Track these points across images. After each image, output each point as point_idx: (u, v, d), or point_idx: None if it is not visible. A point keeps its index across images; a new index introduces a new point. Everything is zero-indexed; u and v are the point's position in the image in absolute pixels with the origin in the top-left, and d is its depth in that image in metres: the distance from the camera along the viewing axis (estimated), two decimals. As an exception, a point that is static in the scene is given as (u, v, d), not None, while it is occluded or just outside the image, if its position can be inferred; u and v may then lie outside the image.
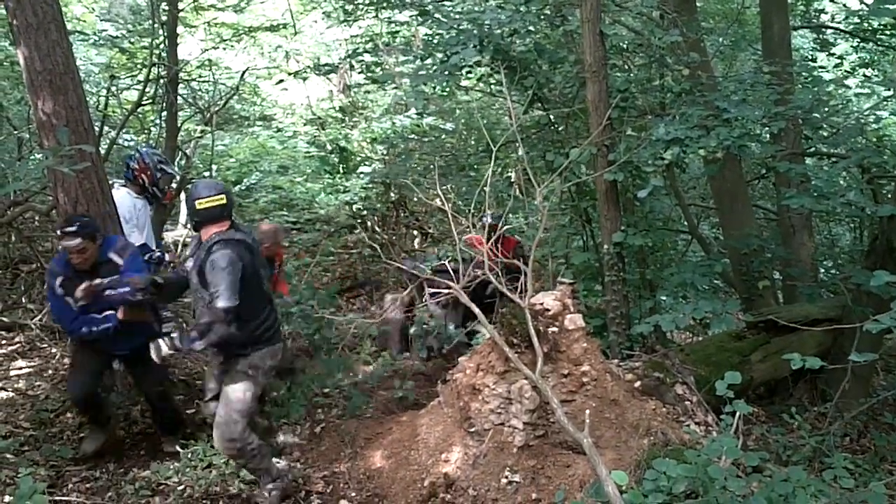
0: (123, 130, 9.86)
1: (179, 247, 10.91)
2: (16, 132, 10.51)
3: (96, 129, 7.20)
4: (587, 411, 4.29)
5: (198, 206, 4.70)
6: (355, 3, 9.56)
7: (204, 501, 4.69)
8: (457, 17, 7.47)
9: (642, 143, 5.92)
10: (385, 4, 8.71)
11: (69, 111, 5.73)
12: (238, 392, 4.64)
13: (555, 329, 4.84)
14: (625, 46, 7.07)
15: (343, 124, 12.88)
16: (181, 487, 4.82)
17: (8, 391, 6.37)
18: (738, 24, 10.40)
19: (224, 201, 4.75)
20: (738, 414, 4.09)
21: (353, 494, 5.11)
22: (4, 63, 10.44)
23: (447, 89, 8.61)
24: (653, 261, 7.20)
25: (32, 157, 9.41)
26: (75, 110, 5.78)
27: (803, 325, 6.05)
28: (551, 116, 7.30)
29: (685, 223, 9.28)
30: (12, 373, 6.53)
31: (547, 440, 4.77)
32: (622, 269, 6.32)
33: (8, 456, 5.18)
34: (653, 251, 7.14)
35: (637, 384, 5.49)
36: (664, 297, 7.02)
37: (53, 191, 5.83)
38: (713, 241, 9.70)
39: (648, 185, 5.98)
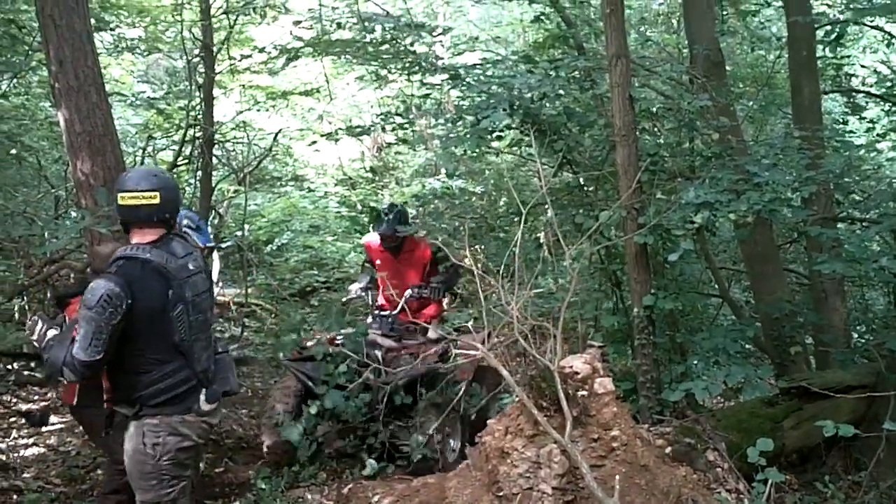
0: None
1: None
2: (53, 190, 10.74)
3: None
4: (617, 477, 4.23)
5: (119, 202, 3.64)
6: (387, 67, 9.75)
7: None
8: (487, 80, 7.58)
9: (672, 207, 5.92)
10: (416, 69, 8.85)
11: (106, 171, 5.88)
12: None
13: (584, 392, 4.79)
14: (654, 111, 7.12)
15: (373, 184, 13.03)
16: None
17: (40, 447, 6.43)
18: (767, 88, 10.44)
19: (157, 200, 3.63)
20: (769, 482, 4.03)
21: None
22: (43, 123, 10.73)
23: (476, 151, 8.70)
24: (684, 324, 7.14)
25: (68, 216, 9.60)
26: (113, 170, 5.93)
27: (836, 392, 5.96)
28: (581, 179, 7.34)
29: (716, 286, 9.22)
30: (44, 429, 6.57)
31: (576, 506, 4.70)
32: (652, 332, 6.27)
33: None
34: (683, 315, 7.09)
35: (668, 450, 5.40)
36: (695, 362, 6.95)
37: (89, 249, 5.95)
38: (744, 305, 9.61)
39: (679, 249, 5.96)
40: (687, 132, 6.96)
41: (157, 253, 3.56)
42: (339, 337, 6.25)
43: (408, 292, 6.71)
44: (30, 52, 9.15)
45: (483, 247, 9.70)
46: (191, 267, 3.67)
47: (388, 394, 5.83)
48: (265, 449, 6.13)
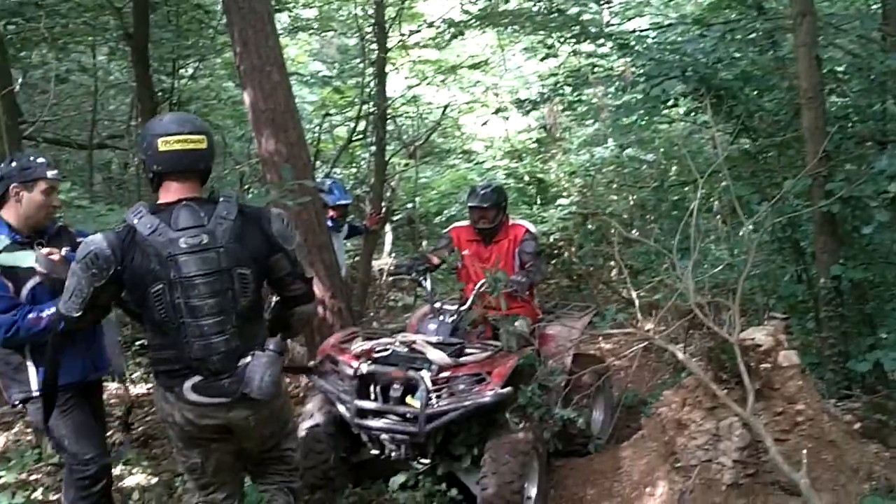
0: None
1: (384, 275, 11.36)
2: (238, 167, 11.31)
3: (310, 163, 7.63)
4: (803, 451, 4.10)
5: (162, 148, 3.06)
6: (553, 36, 9.67)
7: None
8: (658, 47, 7.41)
9: (862, 175, 5.63)
10: (584, 38, 8.73)
11: (289, 148, 6.12)
12: None
13: (767, 365, 4.66)
14: (842, 71, 6.76)
15: (540, 156, 13.01)
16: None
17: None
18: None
19: (205, 145, 3.15)
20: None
21: (556, 525, 5.11)
22: (227, 103, 11.26)
23: (645, 121, 8.51)
24: (873, 296, 6.78)
25: (252, 191, 10.08)
26: (295, 147, 6.17)
27: None
28: (761, 146, 7.08)
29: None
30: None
31: (757, 479, 4.59)
32: (840, 303, 6.02)
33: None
34: (873, 286, 6.73)
35: (856, 426, 5.20)
36: (884, 336, 6.61)
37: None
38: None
39: (873, 221, 5.64)
40: (878, 94, 6.58)
41: (148, 221, 3.04)
42: (379, 347, 5.09)
43: (481, 282, 5.41)
44: (215, 36, 9.62)
45: (654, 217, 9.55)
46: (184, 244, 3.03)
47: (426, 435, 4.66)
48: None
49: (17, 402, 3.89)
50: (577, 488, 5.33)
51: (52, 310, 3.52)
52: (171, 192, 3.13)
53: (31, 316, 3.62)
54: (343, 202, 7.01)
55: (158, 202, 3.15)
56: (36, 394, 3.75)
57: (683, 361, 4.88)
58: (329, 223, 6.73)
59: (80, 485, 3.87)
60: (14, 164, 3.78)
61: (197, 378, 3.18)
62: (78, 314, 3.13)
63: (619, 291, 10.24)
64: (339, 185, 7.19)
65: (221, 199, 3.17)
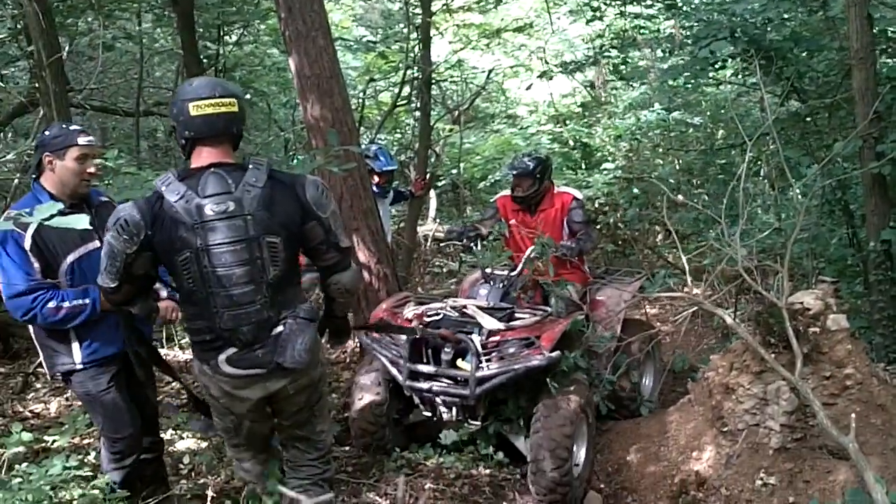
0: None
1: (428, 241, 11.41)
2: (282, 133, 11.38)
3: (355, 129, 7.65)
4: (852, 415, 4.08)
5: (194, 113, 3.02)
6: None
7: (458, 481, 4.84)
8: (706, 7, 7.31)
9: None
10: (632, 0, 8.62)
11: (335, 113, 6.12)
12: None
13: (816, 329, 4.63)
14: (894, 31, 6.62)
15: (585, 120, 12.91)
16: (437, 469, 5.00)
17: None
18: None
19: (236, 108, 3.10)
20: None
21: (602, 486, 5.15)
22: (272, 69, 11.30)
23: (692, 83, 8.40)
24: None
25: (298, 157, 10.15)
26: (340, 112, 6.17)
27: None
28: (811, 108, 6.98)
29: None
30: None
31: (805, 443, 4.58)
32: (890, 267, 5.94)
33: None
34: (925, 249, 6.64)
35: (906, 391, 5.15)
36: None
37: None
38: None
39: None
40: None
41: (176, 188, 2.99)
42: (430, 312, 5.22)
43: (531, 248, 5.48)
44: (259, 1, 9.64)
45: (700, 181, 9.47)
46: (209, 211, 2.97)
47: (476, 398, 4.75)
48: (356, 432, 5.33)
49: (59, 375, 3.87)
50: (623, 452, 5.36)
51: (76, 302, 3.58)
52: (202, 157, 3.09)
53: (50, 305, 3.56)
54: (388, 168, 6.95)
55: (189, 168, 3.11)
56: (80, 366, 3.77)
57: (732, 325, 4.85)
58: (374, 189, 6.70)
59: (112, 457, 3.98)
60: (47, 133, 3.74)
61: (231, 350, 3.14)
62: (114, 284, 3.10)
63: (664, 256, 10.18)
64: (384, 151, 7.12)
65: (251, 165, 3.10)
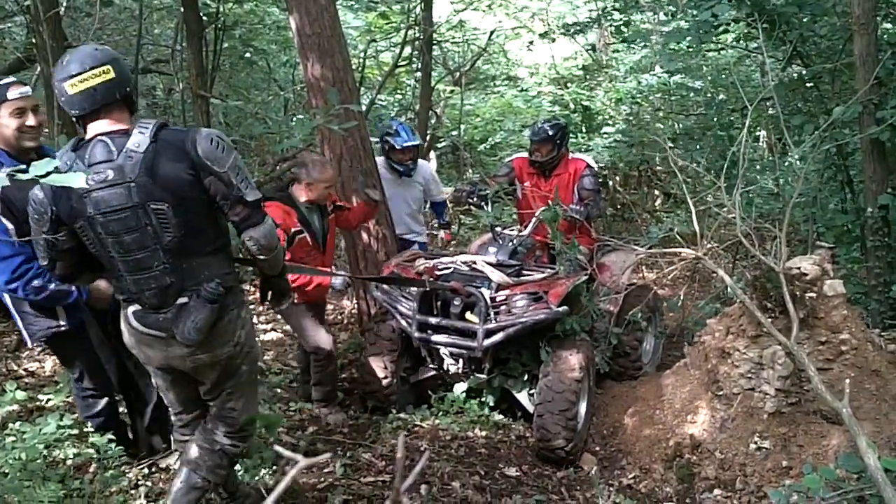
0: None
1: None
2: (282, 93, 11.32)
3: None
4: (846, 381, 4.12)
5: (70, 91, 2.96)
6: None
7: (453, 443, 4.89)
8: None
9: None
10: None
11: (335, 72, 6.10)
12: None
13: (812, 295, 4.66)
14: (897, -3, 6.59)
15: (586, 83, 12.85)
16: (434, 430, 5.05)
17: (277, 332, 6.96)
18: None
19: (112, 74, 2.99)
20: None
21: (598, 449, 5.21)
22: (272, 28, 11.20)
23: (693, 47, 8.36)
24: (922, 226, 6.71)
25: (297, 116, 10.11)
26: (341, 71, 6.14)
27: None
28: (812, 72, 6.94)
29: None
30: (279, 316, 7.10)
31: (800, 408, 4.63)
32: (887, 233, 5.96)
33: (279, 390, 5.68)
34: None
35: (901, 356, 5.19)
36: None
37: (321, 147, 6.25)
38: None
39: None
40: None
41: (67, 158, 2.98)
42: (441, 265, 5.37)
43: (541, 209, 5.59)
44: (259, -41, 9.56)
45: (701, 145, 9.44)
46: (91, 181, 2.91)
47: (484, 351, 4.95)
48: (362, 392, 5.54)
49: (42, 341, 3.84)
50: (618, 415, 5.42)
51: (62, 287, 3.56)
52: (92, 129, 3.01)
53: (35, 283, 3.52)
54: (408, 144, 6.51)
55: (82, 138, 3.06)
56: (65, 326, 3.74)
57: (730, 285, 4.88)
58: (399, 168, 6.52)
59: (83, 403, 4.02)
60: None
61: (137, 307, 3.15)
62: (45, 262, 3.12)
63: (663, 220, 10.18)
64: (405, 127, 6.69)
65: (136, 129, 2.98)
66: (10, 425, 3.99)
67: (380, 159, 6.56)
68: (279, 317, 6.97)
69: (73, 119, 3.05)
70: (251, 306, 5.51)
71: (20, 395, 4.64)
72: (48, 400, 4.84)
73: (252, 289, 6.92)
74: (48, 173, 1.90)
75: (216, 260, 3.18)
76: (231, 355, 3.26)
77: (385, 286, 5.33)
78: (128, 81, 3.08)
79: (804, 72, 6.97)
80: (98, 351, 3.83)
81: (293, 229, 4.81)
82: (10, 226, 3.47)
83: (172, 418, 3.58)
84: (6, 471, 3.38)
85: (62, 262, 3.14)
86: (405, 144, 6.42)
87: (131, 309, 3.16)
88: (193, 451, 3.39)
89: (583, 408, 5.03)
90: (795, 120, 6.66)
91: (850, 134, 6.33)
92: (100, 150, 2.95)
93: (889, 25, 6.73)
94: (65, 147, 3.03)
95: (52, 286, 3.55)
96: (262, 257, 3.22)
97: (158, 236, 2.99)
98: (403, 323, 5.11)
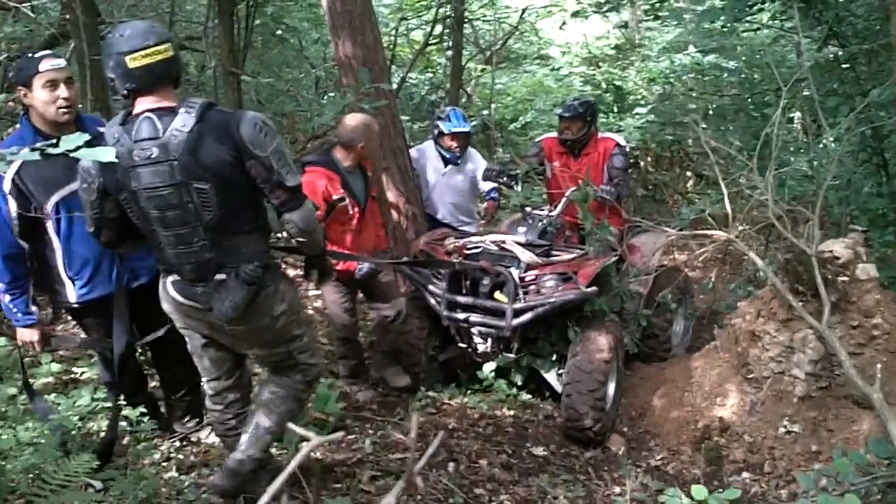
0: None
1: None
2: (314, 70, 11.33)
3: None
4: (878, 365, 4.09)
5: (131, 65, 2.99)
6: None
7: (481, 421, 4.93)
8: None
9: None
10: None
11: (366, 51, 6.10)
12: None
13: (845, 278, 4.62)
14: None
15: (618, 63, 12.76)
16: (462, 408, 5.10)
17: (308, 310, 7.01)
18: None
19: (171, 52, 3.09)
20: None
21: (626, 430, 5.23)
22: (303, 5, 11.19)
23: (728, 26, 8.26)
24: (959, 209, 6.61)
25: (328, 94, 10.12)
26: (372, 50, 6.15)
27: None
28: (849, 53, 6.84)
29: None
30: (311, 293, 7.15)
31: (830, 392, 4.61)
32: (923, 217, 5.88)
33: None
34: (960, 198, 6.55)
35: (934, 341, 5.13)
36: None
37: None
38: None
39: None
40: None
41: (115, 131, 3.04)
42: (470, 245, 5.35)
43: (571, 189, 5.61)
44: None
45: (734, 126, 9.35)
46: (136, 157, 2.99)
47: (513, 330, 4.95)
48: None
49: (62, 309, 3.92)
50: (647, 397, 5.43)
51: (11, 304, 3.64)
52: (142, 104, 3.06)
53: None
54: (457, 129, 6.20)
55: (131, 112, 3.10)
56: (76, 304, 3.78)
57: (762, 267, 4.85)
58: (447, 155, 6.28)
59: (101, 357, 4.04)
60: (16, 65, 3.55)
61: (177, 276, 3.25)
62: (92, 229, 3.22)
63: (694, 202, 10.12)
64: (458, 114, 6.38)
65: (183, 109, 3.03)
66: (46, 397, 4.06)
67: (429, 142, 6.49)
68: (310, 294, 7.04)
69: (124, 92, 3.06)
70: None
71: (55, 367, 4.73)
72: (82, 373, 4.91)
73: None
74: (78, 147, 1.91)
75: (254, 238, 3.25)
76: (269, 326, 3.35)
77: None
78: (180, 61, 3.20)
79: (840, 52, 6.86)
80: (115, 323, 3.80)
81: (335, 196, 4.76)
82: (13, 208, 3.50)
83: (205, 387, 3.67)
84: (42, 441, 3.44)
85: (107, 230, 3.24)
86: (453, 130, 6.19)
87: (170, 279, 3.27)
88: (265, 394, 3.53)
89: (611, 388, 5.03)
90: (830, 101, 6.55)
91: (886, 116, 6.23)
92: (146, 126, 3.01)
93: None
94: (114, 119, 3.10)
95: (6, 298, 3.64)
96: (301, 239, 3.34)
97: (199, 214, 3.07)
98: (433, 301, 5.15)
